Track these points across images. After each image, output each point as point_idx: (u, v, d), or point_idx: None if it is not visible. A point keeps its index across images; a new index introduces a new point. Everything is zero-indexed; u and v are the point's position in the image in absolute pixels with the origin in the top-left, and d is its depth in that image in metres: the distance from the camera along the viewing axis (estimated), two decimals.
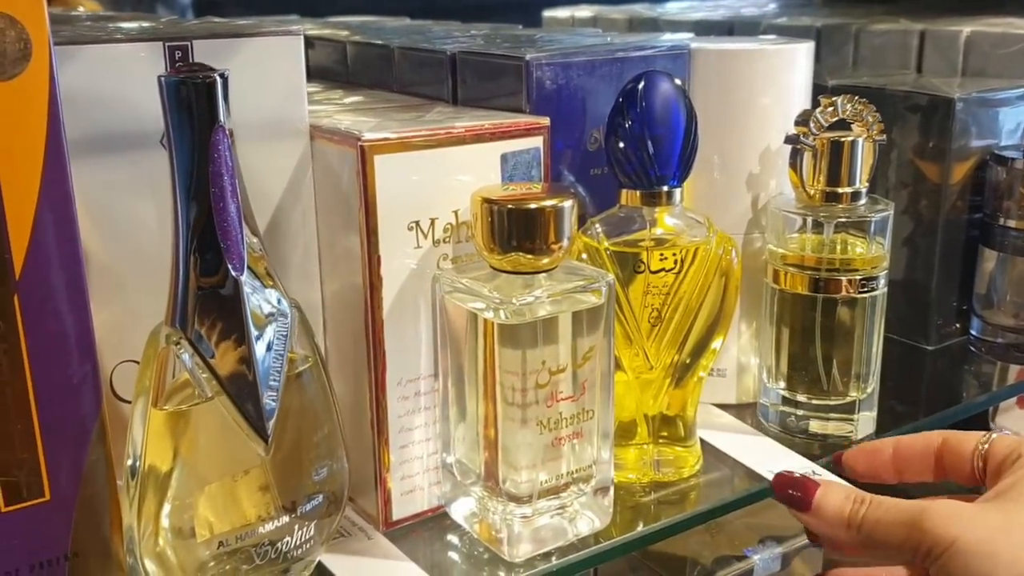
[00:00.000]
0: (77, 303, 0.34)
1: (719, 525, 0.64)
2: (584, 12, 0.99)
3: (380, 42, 0.57)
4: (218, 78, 0.34)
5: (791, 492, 0.41)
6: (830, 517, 0.39)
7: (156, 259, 0.40)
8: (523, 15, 0.99)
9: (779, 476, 0.42)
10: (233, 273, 0.36)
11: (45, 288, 0.33)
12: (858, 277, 0.51)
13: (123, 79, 0.38)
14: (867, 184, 0.51)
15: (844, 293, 0.51)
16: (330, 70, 0.62)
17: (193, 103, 0.34)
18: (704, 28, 0.85)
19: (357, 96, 0.54)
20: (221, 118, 0.34)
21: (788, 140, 0.51)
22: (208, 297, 0.36)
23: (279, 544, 0.39)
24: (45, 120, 0.32)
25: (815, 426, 0.53)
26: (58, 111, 0.32)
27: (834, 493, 0.40)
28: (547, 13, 1.02)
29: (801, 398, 0.53)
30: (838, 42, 0.77)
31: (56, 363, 0.34)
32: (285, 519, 0.39)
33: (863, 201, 0.51)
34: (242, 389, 0.36)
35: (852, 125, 0.51)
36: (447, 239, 0.43)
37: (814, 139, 0.50)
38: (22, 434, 0.34)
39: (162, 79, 0.34)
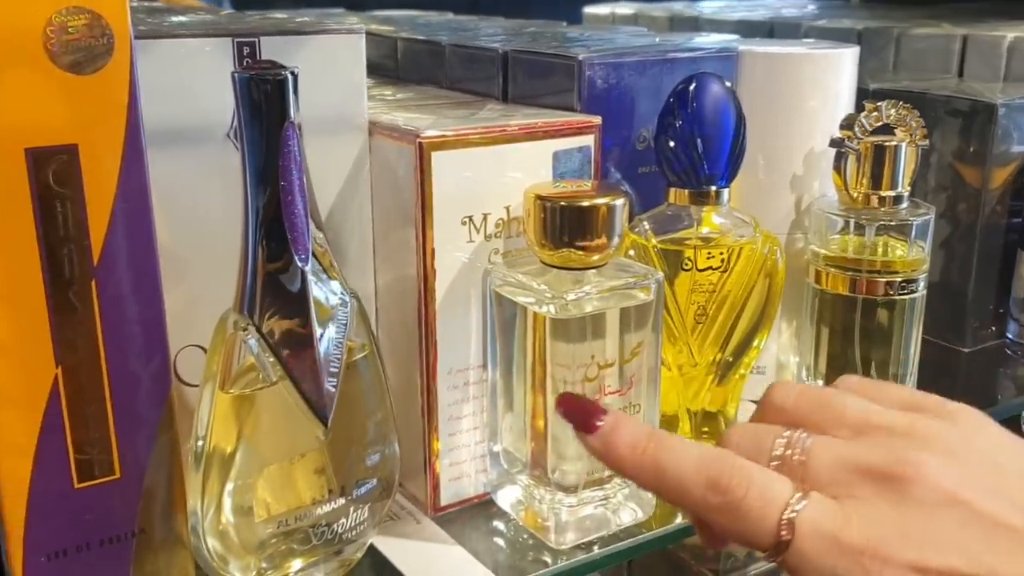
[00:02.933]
0: (150, 289, 0.35)
1: None
2: (625, 9, 1.00)
3: (432, 39, 0.58)
4: (289, 75, 0.35)
5: (576, 411, 0.35)
6: (617, 445, 0.33)
7: (220, 248, 0.42)
8: (563, 10, 1.00)
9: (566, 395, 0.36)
10: (299, 263, 0.37)
11: (121, 274, 0.34)
12: (898, 279, 0.51)
13: (192, 73, 0.40)
14: (909, 188, 0.52)
15: (884, 295, 0.52)
16: (379, 65, 0.63)
17: (265, 99, 0.35)
18: (745, 28, 0.86)
19: (407, 92, 0.55)
20: (291, 114, 0.36)
21: (833, 143, 0.51)
22: (274, 285, 0.37)
23: (335, 525, 0.40)
24: (125, 113, 0.34)
25: None
26: (137, 104, 0.34)
27: (626, 424, 0.34)
28: (588, 9, 1.03)
29: None
30: (879, 45, 0.78)
31: (129, 347, 0.35)
32: (340, 501, 0.40)
33: (905, 205, 0.52)
34: (304, 374, 0.37)
35: (896, 130, 0.52)
36: (498, 234, 0.44)
37: (858, 143, 0.51)
38: (96, 414, 0.35)
39: (235, 75, 0.35)
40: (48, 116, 0.32)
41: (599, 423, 0.34)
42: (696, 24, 0.92)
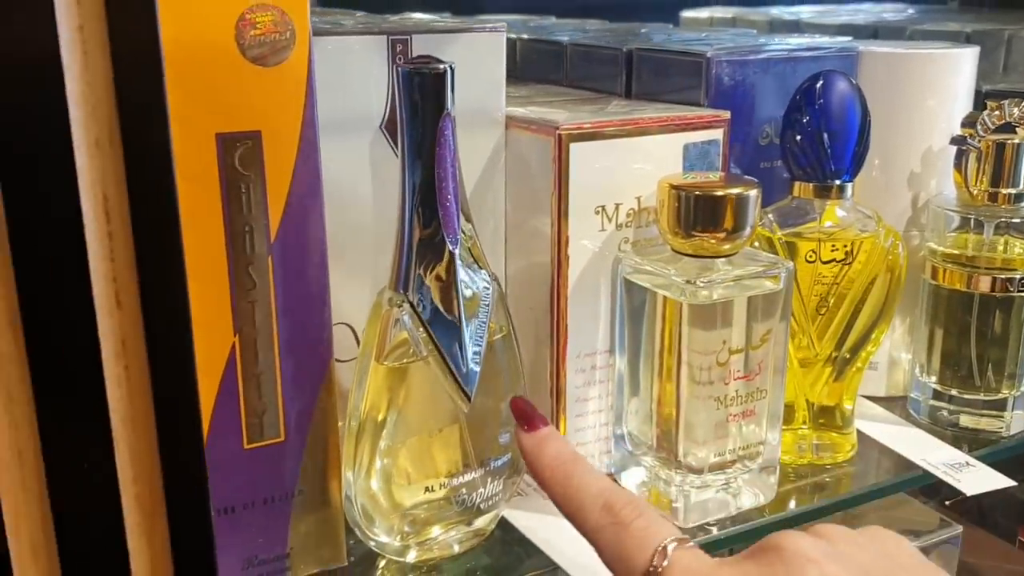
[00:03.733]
0: (319, 266, 0.38)
1: (856, 516, 0.66)
2: (723, 13, 1.01)
3: (552, 39, 0.60)
4: (448, 69, 0.38)
5: (527, 410, 0.38)
6: (545, 451, 0.36)
7: (368, 233, 0.45)
8: (660, 16, 1.01)
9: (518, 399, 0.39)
10: (449, 246, 0.39)
11: (294, 251, 0.37)
12: (1017, 276, 0.52)
13: (351, 68, 0.42)
14: None
15: (1002, 292, 0.52)
16: None
17: (425, 91, 0.38)
18: (848, 32, 0.86)
19: (529, 90, 0.57)
20: (448, 106, 0.38)
21: (954, 141, 0.52)
22: (426, 266, 0.39)
23: (473, 495, 0.42)
24: (302, 103, 0.36)
25: (966, 420, 0.54)
26: (314, 95, 0.37)
27: (559, 439, 0.37)
28: (686, 13, 1.04)
29: (953, 393, 0.54)
30: (989, 47, 0.77)
31: (298, 318, 0.38)
32: (480, 472, 0.42)
33: None
34: (451, 350, 0.40)
35: (1017, 128, 0.52)
36: (629, 223, 0.46)
37: (980, 141, 0.51)
38: (266, 381, 0.38)
39: (399, 69, 0.38)
40: (236, 104, 0.35)
41: (541, 427, 0.38)
42: (797, 27, 0.93)
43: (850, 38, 0.59)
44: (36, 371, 0.26)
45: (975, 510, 0.89)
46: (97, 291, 0.26)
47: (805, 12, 1.03)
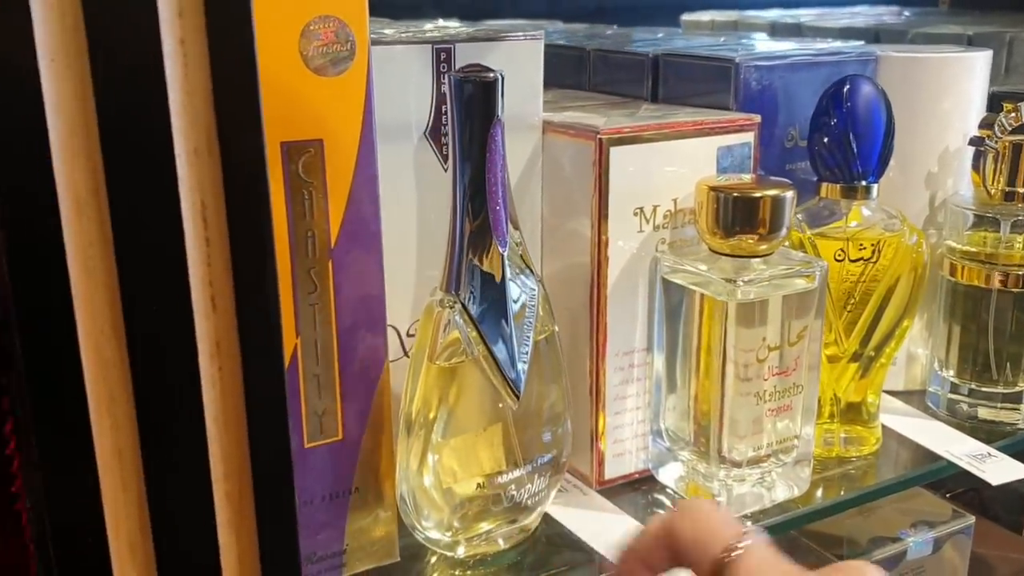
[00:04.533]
0: (375, 270, 0.39)
1: (871, 508, 0.67)
2: (724, 16, 1.02)
3: (576, 45, 0.61)
4: (498, 77, 0.39)
5: None
6: None
7: (412, 237, 0.46)
8: (659, 19, 1.03)
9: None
10: (499, 248, 0.40)
11: (352, 256, 0.38)
12: None
13: (396, 76, 0.43)
14: None
15: (1019, 288, 0.54)
16: None
17: (475, 99, 0.39)
18: (849, 35, 0.88)
19: (555, 95, 0.58)
20: (498, 113, 0.39)
21: (972, 142, 0.54)
22: (477, 268, 0.40)
23: (520, 492, 0.44)
24: (361, 111, 0.37)
25: (984, 413, 0.56)
26: (372, 103, 0.38)
27: None
28: (686, 17, 1.06)
29: (971, 386, 0.56)
30: (989, 49, 0.79)
31: (357, 321, 0.39)
32: (526, 469, 0.43)
33: None
34: (501, 350, 0.41)
35: None
36: (666, 225, 0.47)
37: (997, 141, 0.53)
38: (326, 380, 0.39)
39: (451, 76, 0.39)
40: (300, 113, 0.36)
41: None
42: (798, 31, 0.94)
43: (862, 42, 0.61)
44: (136, 374, 0.27)
45: (976, 502, 0.91)
46: (195, 295, 0.27)
47: (804, 15, 1.05)
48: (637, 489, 0.49)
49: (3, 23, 0.24)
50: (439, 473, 0.42)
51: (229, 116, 0.27)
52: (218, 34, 0.26)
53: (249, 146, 0.27)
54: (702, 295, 0.45)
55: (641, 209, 0.46)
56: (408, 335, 0.46)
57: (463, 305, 0.40)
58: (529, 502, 0.44)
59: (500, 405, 0.42)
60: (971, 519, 0.69)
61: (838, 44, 0.57)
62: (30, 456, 0.28)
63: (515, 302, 0.41)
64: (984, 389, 0.56)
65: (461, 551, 0.44)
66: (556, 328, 0.44)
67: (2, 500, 0.31)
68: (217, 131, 0.26)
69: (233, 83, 0.26)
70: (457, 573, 0.43)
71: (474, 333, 0.41)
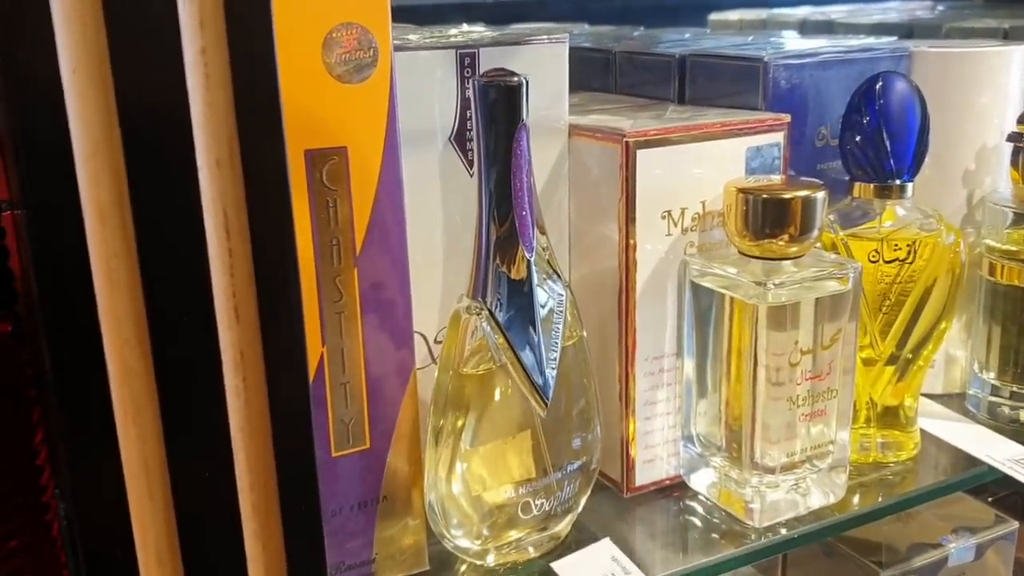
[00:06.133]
0: (401, 277, 0.39)
1: (911, 514, 0.66)
2: (754, 15, 1.01)
3: (602, 47, 0.61)
4: (523, 81, 0.39)
5: None
6: None
7: (438, 243, 0.45)
8: (692, 18, 1.02)
9: None
10: (526, 254, 0.40)
11: (378, 263, 0.38)
12: None
13: (421, 82, 0.43)
14: None
15: None
16: None
17: (499, 103, 0.38)
18: (882, 31, 0.86)
19: (581, 97, 0.58)
20: (524, 117, 0.39)
21: (1010, 138, 0.52)
22: (503, 275, 0.40)
23: (549, 499, 0.43)
24: (385, 118, 0.37)
25: None
26: (395, 110, 0.37)
27: None
28: (714, 16, 1.05)
29: (1013, 388, 0.54)
30: None
31: (382, 328, 0.39)
32: (556, 476, 0.43)
33: None
34: (529, 356, 0.41)
35: None
36: (694, 227, 0.46)
37: None
38: (353, 389, 0.39)
39: (475, 81, 0.39)
40: (323, 121, 0.36)
41: None
42: (830, 28, 0.93)
43: (895, 38, 0.60)
44: (161, 384, 0.27)
45: (1020, 507, 0.89)
46: (218, 305, 0.27)
47: (835, 12, 1.03)
48: (668, 496, 0.49)
49: (26, 34, 0.24)
50: (468, 481, 0.42)
51: (251, 127, 0.27)
52: (239, 44, 0.26)
53: (271, 156, 0.27)
54: (732, 298, 0.44)
55: (669, 212, 0.46)
56: (436, 342, 0.46)
57: (490, 312, 0.40)
58: (559, 509, 0.44)
59: (529, 412, 0.42)
60: (1015, 524, 0.67)
61: (870, 40, 0.56)
62: (59, 466, 0.28)
63: (543, 308, 0.41)
64: None
65: (491, 559, 0.43)
66: (584, 333, 0.44)
67: (33, 511, 0.31)
68: (239, 142, 0.26)
69: (254, 93, 0.26)
70: None
71: (501, 340, 0.40)
